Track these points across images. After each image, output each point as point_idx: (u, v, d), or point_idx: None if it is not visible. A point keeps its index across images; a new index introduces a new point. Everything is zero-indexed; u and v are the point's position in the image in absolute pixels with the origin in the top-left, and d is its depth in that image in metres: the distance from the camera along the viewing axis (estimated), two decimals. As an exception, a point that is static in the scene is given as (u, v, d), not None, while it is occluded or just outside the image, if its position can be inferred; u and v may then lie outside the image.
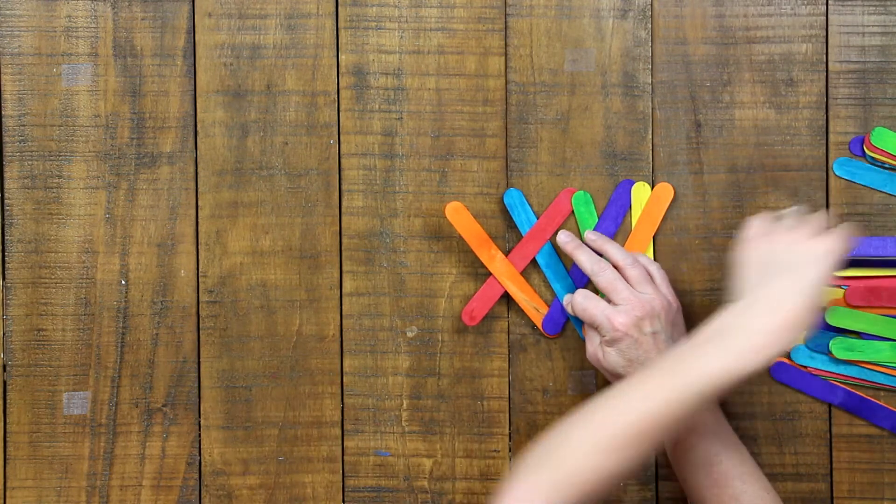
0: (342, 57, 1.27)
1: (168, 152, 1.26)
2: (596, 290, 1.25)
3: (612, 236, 1.25)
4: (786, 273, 1.05)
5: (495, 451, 1.27)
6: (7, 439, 1.27)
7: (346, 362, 1.27)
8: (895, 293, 1.23)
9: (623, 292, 1.18)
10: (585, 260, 1.21)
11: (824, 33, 1.26)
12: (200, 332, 1.27)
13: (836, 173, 1.25)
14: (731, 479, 1.16)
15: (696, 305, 1.26)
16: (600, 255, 1.22)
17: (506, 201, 1.26)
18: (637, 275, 1.19)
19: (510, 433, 1.27)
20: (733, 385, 1.02)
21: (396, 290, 1.26)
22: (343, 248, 1.27)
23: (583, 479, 1.02)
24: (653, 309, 1.17)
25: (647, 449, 1.03)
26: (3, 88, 1.26)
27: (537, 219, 1.26)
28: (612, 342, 1.17)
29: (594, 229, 1.25)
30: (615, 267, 1.20)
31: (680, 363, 1.04)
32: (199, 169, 1.27)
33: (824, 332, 1.24)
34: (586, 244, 1.23)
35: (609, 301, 1.19)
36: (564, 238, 1.23)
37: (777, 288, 1.04)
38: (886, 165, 1.25)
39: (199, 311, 1.27)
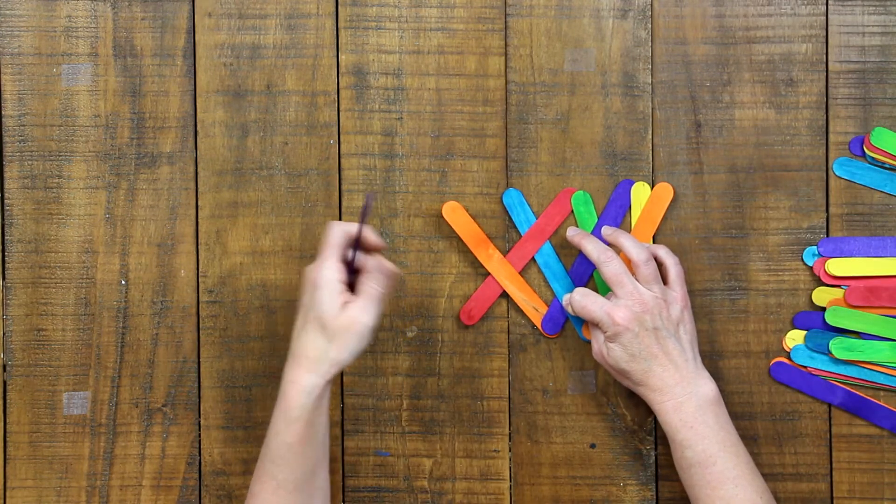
0: (342, 57, 1.27)
1: (168, 152, 1.26)
2: (595, 288, 1.25)
3: (612, 236, 1.25)
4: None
5: (495, 451, 1.27)
6: (7, 439, 1.27)
7: (346, 362, 1.27)
8: (895, 293, 1.23)
9: (627, 286, 1.18)
10: (592, 249, 1.20)
11: (824, 33, 1.26)
12: (200, 332, 1.27)
13: (836, 173, 1.25)
14: (724, 482, 1.15)
15: (695, 305, 1.26)
16: (615, 248, 1.21)
17: (505, 201, 1.26)
18: (648, 273, 1.19)
19: (510, 433, 1.27)
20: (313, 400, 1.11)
21: (396, 290, 1.26)
22: (343, 248, 1.27)
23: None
24: (654, 305, 1.17)
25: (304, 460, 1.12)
26: (3, 88, 1.26)
27: (537, 219, 1.26)
28: (613, 337, 1.17)
29: (593, 230, 1.25)
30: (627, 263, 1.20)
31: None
32: (199, 169, 1.27)
33: (824, 332, 1.24)
34: (602, 238, 1.22)
35: (612, 294, 1.19)
36: (572, 232, 1.23)
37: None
38: (886, 165, 1.25)
39: (199, 311, 1.27)
